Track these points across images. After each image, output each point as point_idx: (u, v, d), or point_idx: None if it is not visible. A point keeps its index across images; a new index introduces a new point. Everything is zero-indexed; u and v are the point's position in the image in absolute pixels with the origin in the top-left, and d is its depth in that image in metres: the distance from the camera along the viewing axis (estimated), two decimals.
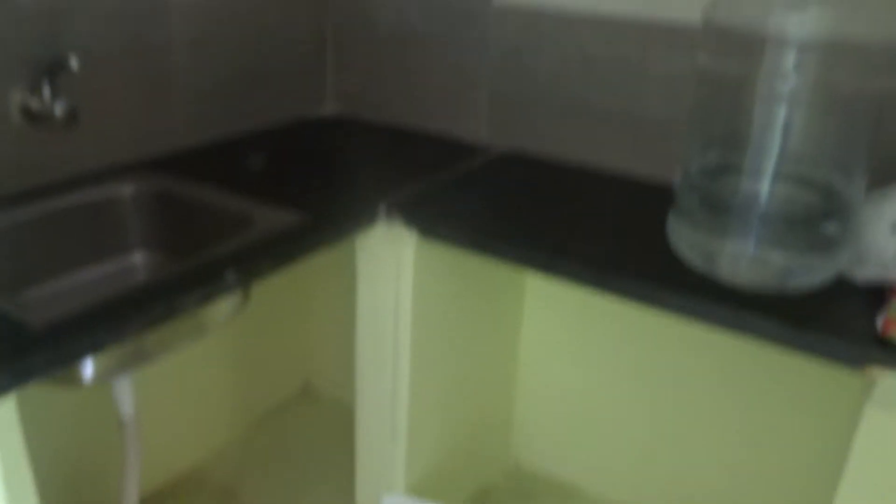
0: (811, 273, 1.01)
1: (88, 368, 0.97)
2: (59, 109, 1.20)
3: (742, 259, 1.02)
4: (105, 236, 1.29)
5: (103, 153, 1.35)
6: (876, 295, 0.99)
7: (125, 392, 1.18)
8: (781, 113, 1.00)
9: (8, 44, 1.18)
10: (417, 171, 1.43)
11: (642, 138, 1.42)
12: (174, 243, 1.31)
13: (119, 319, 0.90)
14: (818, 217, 1.04)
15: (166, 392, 1.56)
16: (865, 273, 1.03)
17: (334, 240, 1.19)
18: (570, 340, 1.61)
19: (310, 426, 1.86)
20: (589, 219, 1.27)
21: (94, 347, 0.88)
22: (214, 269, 1.02)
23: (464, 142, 1.62)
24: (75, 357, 0.87)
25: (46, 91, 1.21)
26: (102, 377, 1.00)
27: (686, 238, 1.08)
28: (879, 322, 0.91)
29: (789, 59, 0.97)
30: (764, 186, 1.04)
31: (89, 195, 1.27)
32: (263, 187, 1.30)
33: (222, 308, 1.15)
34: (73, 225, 1.24)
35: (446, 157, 1.53)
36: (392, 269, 1.28)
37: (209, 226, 1.25)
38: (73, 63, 1.17)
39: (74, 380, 0.97)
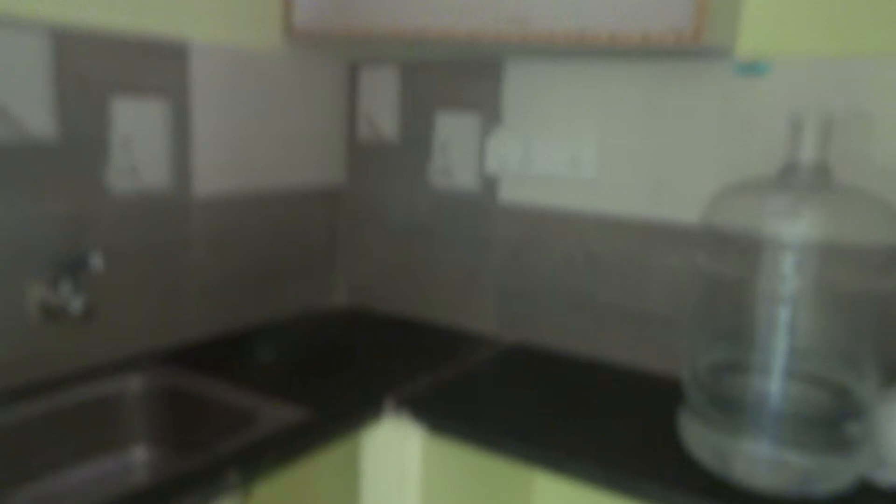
0: (832, 476, 0.98)
1: None
2: (76, 306, 1.23)
3: (758, 461, 0.99)
4: (109, 431, 1.27)
5: (115, 346, 1.37)
6: None
7: None
8: (785, 313, 1.01)
9: (34, 245, 1.23)
10: (425, 364, 1.43)
11: (648, 332, 1.43)
12: (178, 439, 1.29)
13: None
14: (833, 416, 1.03)
15: None
16: (888, 476, 0.99)
17: (340, 437, 1.17)
18: None
19: None
20: (599, 415, 1.25)
21: None
22: (215, 469, 0.99)
23: (472, 334, 1.64)
24: None
25: (66, 287, 1.24)
26: None
27: (698, 437, 1.06)
28: None
29: (787, 262, 1.00)
30: (774, 385, 1.03)
31: (96, 390, 1.26)
32: (270, 381, 1.30)
33: None
34: (78, 420, 1.23)
35: (454, 350, 1.54)
36: (398, 466, 1.25)
37: (214, 421, 1.24)
38: (95, 263, 1.22)
39: None
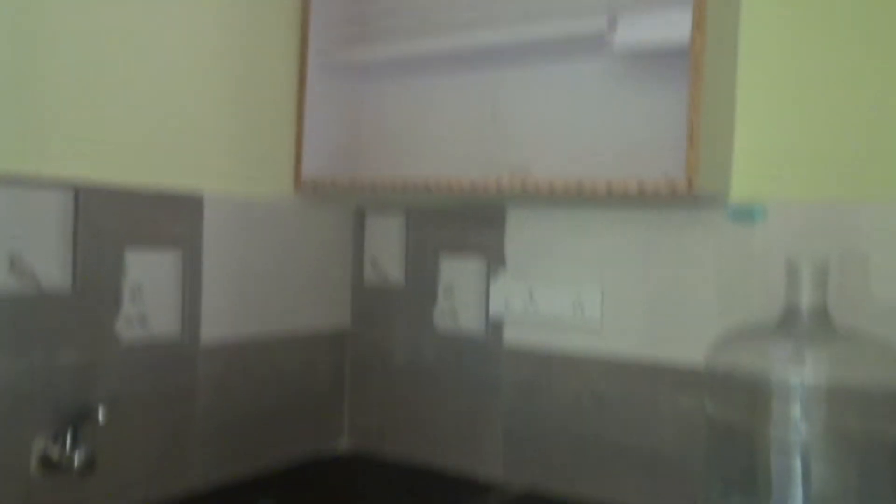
0: None
1: None
2: (77, 458, 1.21)
3: None
4: None
5: (115, 497, 1.33)
6: None
7: None
8: (798, 461, 0.99)
9: (41, 396, 1.23)
10: None
11: (660, 475, 1.40)
12: None
13: None
14: None
15: None
16: None
17: None
18: None
19: None
20: None
21: None
22: None
23: (479, 480, 1.60)
24: None
25: (68, 440, 1.23)
26: None
27: None
28: None
29: (795, 409, 0.99)
30: None
31: None
32: None
33: None
34: None
35: (461, 498, 1.49)
36: None
37: None
38: (101, 415, 1.22)
39: None
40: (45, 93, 1.23)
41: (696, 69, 1.19)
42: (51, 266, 1.24)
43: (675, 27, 1.21)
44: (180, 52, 1.43)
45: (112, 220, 1.33)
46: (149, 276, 1.39)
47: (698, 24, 1.19)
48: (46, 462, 1.23)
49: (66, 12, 1.25)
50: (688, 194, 1.21)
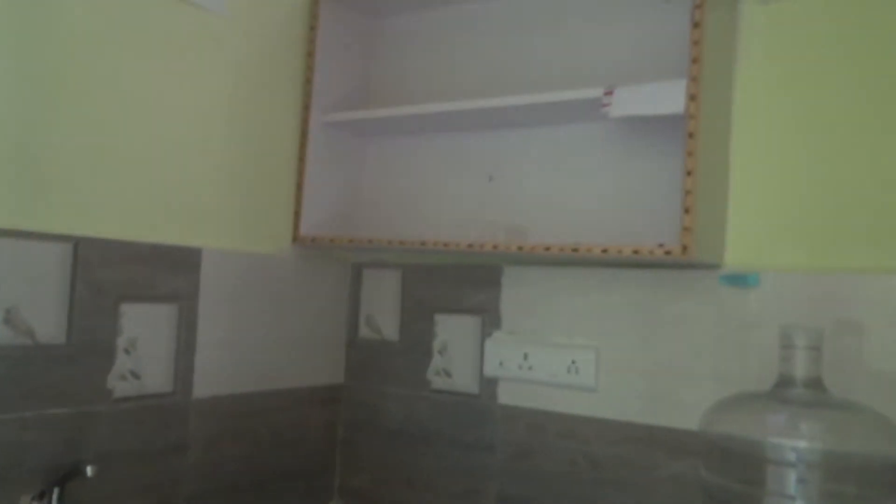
0: None
1: None
2: None
3: None
4: None
5: None
6: None
7: None
8: None
9: (29, 451, 1.21)
10: None
11: None
12: None
13: None
14: None
15: None
16: None
17: None
18: None
19: None
20: None
21: None
22: None
23: None
24: None
25: (55, 497, 1.21)
26: None
27: None
28: None
29: (791, 478, 0.99)
30: None
31: None
32: None
33: None
34: None
35: None
36: None
37: None
38: (90, 471, 1.20)
39: None
40: (48, 150, 1.25)
41: (691, 138, 1.22)
42: (47, 319, 1.24)
43: (670, 97, 1.24)
44: (185, 111, 1.46)
45: (110, 274, 1.33)
46: (143, 331, 1.38)
47: (693, 95, 1.22)
48: None
49: (72, 73, 1.28)
50: (683, 261, 1.22)
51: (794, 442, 0.99)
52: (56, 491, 1.21)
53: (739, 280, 1.33)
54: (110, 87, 1.33)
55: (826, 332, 1.11)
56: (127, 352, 1.36)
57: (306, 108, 1.68)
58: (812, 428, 1.01)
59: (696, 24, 1.23)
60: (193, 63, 1.47)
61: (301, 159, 1.67)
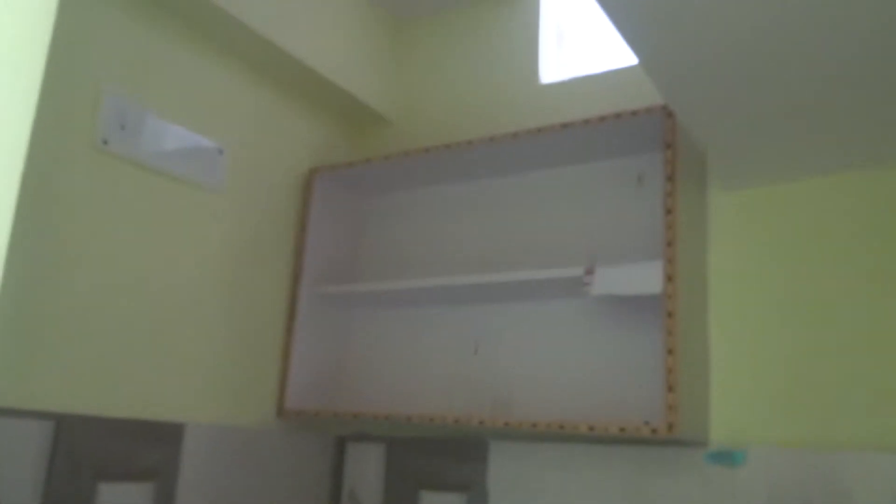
0: None
1: None
2: None
3: None
4: None
5: None
6: None
7: None
8: None
9: None
10: None
11: None
12: None
13: None
14: None
15: None
16: None
17: None
18: None
19: None
20: None
21: None
22: None
23: None
24: None
25: None
26: None
27: None
28: None
29: None
30: None
31: None
32: None
33: None
34: None
35: None
36: None
37: None
38: None
39: None
40: (36, 324, 1.26)
41: (670, 317, 1.26)
42: (22, 498, 1.20)
43: (648, 277, 1.29)
44: (177, 285, 1.49)
45: (90, 451, 1.30)
46: None
47: (670, 276, 1.28)
48: None
49: (68, 247, 1.32)
50: (669, 438, 1.23)
51: None
52: None
53: (725, 458, 1.33)
54: (104, 261, 1.37)
55: None
56: None
57: (296, 279, 1.72)
58: None
59: (668, 211, 1.31)
60: (188, 238, 1.52)
61: (289, 330, 1.70)
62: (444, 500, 1.61)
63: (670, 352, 1.24)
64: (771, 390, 1.34)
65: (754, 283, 1.40)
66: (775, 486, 1.27)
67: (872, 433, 1.24)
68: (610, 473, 1.44)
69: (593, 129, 1.45)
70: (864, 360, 1.28)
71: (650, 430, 1.23)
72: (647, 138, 1.45)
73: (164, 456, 1.42)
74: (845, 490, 1.22)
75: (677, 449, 1.38)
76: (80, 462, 1.29)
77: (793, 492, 1.25)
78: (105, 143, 1.37)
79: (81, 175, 1.34)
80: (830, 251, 1.35)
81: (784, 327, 1.35)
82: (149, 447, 1.40)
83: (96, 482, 1.30)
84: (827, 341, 1.31)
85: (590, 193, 1.59)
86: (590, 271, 1.37)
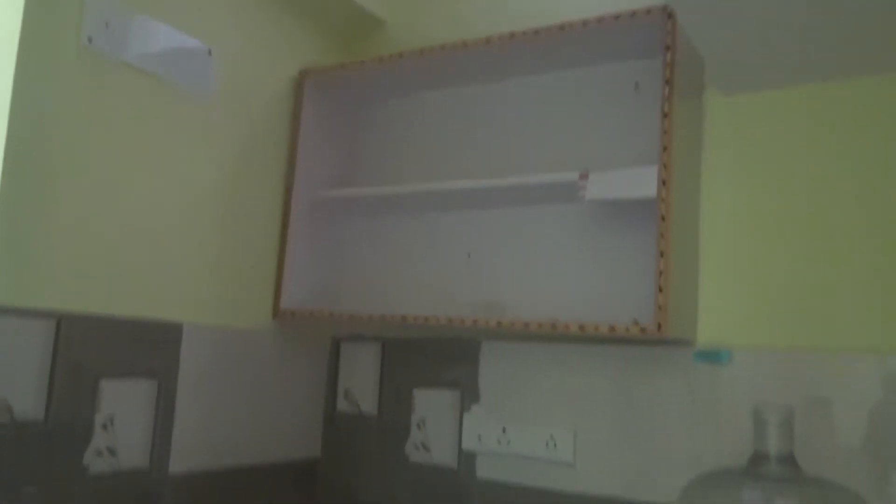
0: None
1: None
2: None
3: None
4: None
5: None
6: None
7: None
8: None
9: None
10: None
11: None
12: None
13: None
14: None
15: None
16: None
17: None
18: None
19: None
20: None
21: None
22: None
23: None
24: None
25: None
26: None
27: None
28: None
29: None
30: None
31: None
32: None
33: None
34: None
35: None
36: None
37: None
38: None
39: None
40: (35, 227, 1.26)
41: (663, 220, 1.27)
42: (26, 397, 1.23)
43: (643, 182, 1.30)
44: (170, 189, 1.48)
45: (91, 350, 1.33)
46: (121, 407, 1.38)
47: (665, 180, 1.28)
48: None
49: (61, 153, 1.30)
50: (658, 338, 1.26)
51: None
52: None
53: (712, 357, 1.37)
54: (99, 167, 1.36)
55: (797, 410, 1.15)
56: (104, 428, 1.35)
57: (289, 186, 1.72)
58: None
59: (665, 114, 1.30)
60: (180, 145, 1.50)
61: (283, 236, 1.70)
62: (437, 398, 1.67)
63: (662, 254, 1.26)
64: (758, 294, 1.37)
65: (747, 188, 1.41)
66: (758, 387, 1.32)
67: (854, 338, 1.28)
68: (599, 372, 1.49)
69: (592, 31, 1.42)
70: (853, 266, 1.30)
71: (640, 330, 1.27)
72: (646, 44, 1.43)
73: (164, 355, 1.46)
74: (824, 394, 1.27)
75: (665, 349, 1.42)
76: (82, 360, 1.31)
77: (775, 394, 1.30)
78: (90, 41, 1.34)
79: (68, 74, 1.31)
80: (824, 158, 1.35)
81: (774, 233, 1.37)
82: (148, 346, 1.43)
83: (98, 379, 1.34)
84: (816, 248, 1.34)
85: (586, 99, 1.58)
86: (584, 176, 1.37)
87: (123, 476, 1.37)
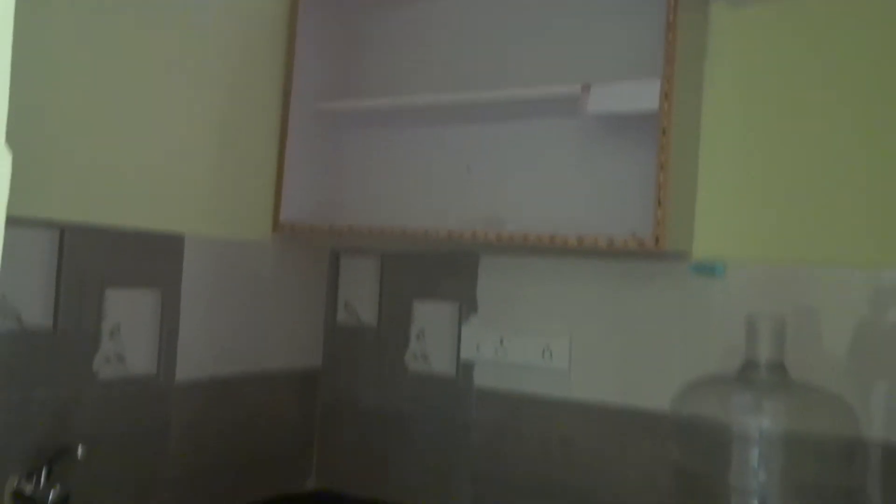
0: None
1: None
2: (52, 496, 1.22)
3: None
4: None
5: None
6: None
7: None
8: None
9: (16, 433, 1.23)
10: None
11: None
12: None
13: None
14: None
15: None
16: None
17: None
18: None
19: None
20: None
21: None
22: None
23: None
24: None
25: (42, 476, 1.23)
26: None
27: None
28: None
29: (753, 456, 1.06)
30: None
31: None
32: None
33: None
34: None
35: None
36: None
37: None
38: (80, 452, 1.23)
39: None
40: (37, 138, 1.26)
41: (664, 134, 1.28)
42: (34, 304, 1.26)
43: (645, 95, 1.30)
44: (168, 101, 1.47)
45: (95, 260, 1.35)
46: (128, 315, 1.40)
47: (667, 93, 1.28)
48: (20, 498, 1.23)
49: (62, 63, 1.29)
50: (655, 251, 1.28)
51: (758, 421, 1.06)
52: (45, 471, 1.23)
53: (707, 269, 1.40)
54: (99, 79, 1.34)
55: (788, 321, 1.18)
56: (112, 335, 1.38)
57: (287, 97, 1.70)
58: (775, 408, 1.08)
59: (670, 26, 1.29)
60: (176, 53, 1.48)
61: (282, 148, 1.70)
62: (436, 309, 1.70)
63: (662, 167, 1.27)
64: (753, 208, 1.39)
65: (747, 102, 1.41)
66: (751, 299, 1.35)
67: (846, 252, 1.31)
68: (595, 285, 1.52)
69: None
70: (848, 182, 1.32)
71: (638, 243, 1.29)
72: None
73: (167, 266, 1.48)
74: (815, 306, 1.31)
75: (661, 262, 1.45)
76: (87, 269, 1.33)
77: (767, 306, 1.33)
78: None
79: None
80: (827, 73, 1.35)
81: (771, 147, 1.38)
82: (151, 257, 1.44)
83: (104, 288, 1.36)
84: (812, 163, 1.35)
85: (589, 11, 1.55)
86: (586, 88, 1.37)
87: (132, 383, 1.41)
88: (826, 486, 1.11)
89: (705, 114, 1.44)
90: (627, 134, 1.46)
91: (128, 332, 1.40)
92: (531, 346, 1.57)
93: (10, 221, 1.21)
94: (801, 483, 1.09)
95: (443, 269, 1.70)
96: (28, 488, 1.23)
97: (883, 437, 1.21)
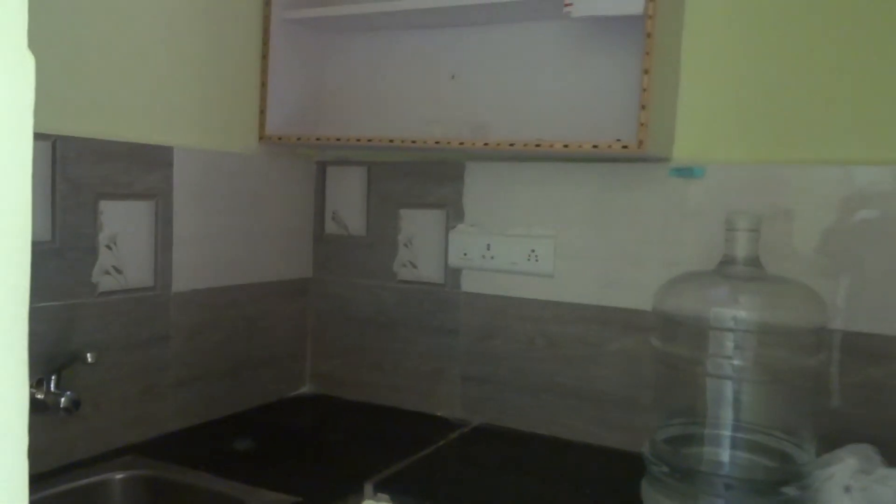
0: None
1: None
2: (63, 401, 1.27)
3: None
4: None
5: (96, 439, 1.39)
6: None
7: None
8: (730, 389, 1.14)
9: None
10: (398, 447, 1.50)
11: (606, 411, 1.55)
12: None
13: None
14: (777, 481, 1.15)
15: None
16: None
17: None
18: None
19: None
20: (566, 489, 1.34)
21: None
22: None
23: (439, 418, 1.72)
24: None
25: (52, 383, 1.28)
26: None
27: None
28: None
29: (730, 343, 1.13)
30: (725, 454, 1.15)
31: (79, 484, 1.29)
32: (252, 470, 1.35)
33: None
34: None
35: (424, 433, 1.61)
36: None
37: None
38: (90, 358, 1.27)
39: None
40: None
41: (649, 38, 1.30)
42: (33, 217, 1.27)
43: None
44: (152, 14, 1.45)
45: (87, 172, 1.36)
46: (123, 227, 1.43)
47: None
48: (32, 405, 1.28)
49: None
50: (638, 153, 1.32)
51: (734, 311, 1.13)
52: (53, 378, 1.28)
53: (687, 172, 1.45)
54: None
55: (763, 218, 1.24)
56: (109, 248, 1.41)
57: (267, 7, 1.68)
58: (750, 298, 1.15)
59: None
60: None
61: (264, 57, 1.69)
62: (423, 217, 1.74)
63: (646, 71, 1.30)
64: (733, 110, 1.43)
65: (729, 6, 1.42)
66: (729, 199, 1.41)
67: (822, 151, 1.36)
68: (579, 189, 1.56)
69: None
70: (825, 82, 1.36)
71: (622, 147, 1.32)
72: None
73: (158, 178, 1.49)
74: (789, 204, 1.36)
75: (643, 166, 1.49)
76: (80, 181, 1.35)
77: (744, 204, 1.39)
78: None
79: None
80: None
81: (750, 49, 1.41)
82: (142, 169, 1.46)
83: (98, 200, 1.38)
84: (790, 64, 1.38)
85: None
86: None
87: (131, 293, 1.45)
88: (795, 368, 1.19)
89: (688, 17, 1.45)
90: (612, 36, 1.48)
91: (124, 243, 1.43)
92: (517, 249, 1.62)
93: None
94: (772, 366, 1.17)
95: (429, 177, 1.73)
96: (38, 394, 1.28)
97: (843, 325, 1.31)
